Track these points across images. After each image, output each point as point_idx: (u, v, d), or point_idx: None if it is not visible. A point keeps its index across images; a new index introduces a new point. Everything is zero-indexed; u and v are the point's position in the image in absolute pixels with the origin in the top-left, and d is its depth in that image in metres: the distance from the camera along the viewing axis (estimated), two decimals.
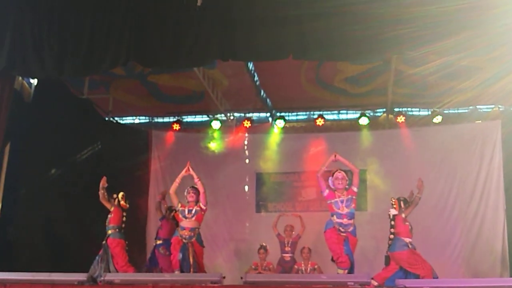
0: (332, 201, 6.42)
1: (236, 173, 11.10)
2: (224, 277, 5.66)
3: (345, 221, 6.31)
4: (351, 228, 6.37)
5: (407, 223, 6.61)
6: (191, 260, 6.50)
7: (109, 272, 6.90)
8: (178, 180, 6.92)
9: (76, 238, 7.63)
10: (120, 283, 5.72)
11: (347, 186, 6.49)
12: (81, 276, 5.85)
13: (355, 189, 6.46)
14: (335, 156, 6.68)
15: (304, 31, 6.50)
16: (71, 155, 9.20)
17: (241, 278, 5.62)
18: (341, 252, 6.30)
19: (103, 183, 7.42)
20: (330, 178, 6.59)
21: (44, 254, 7.93)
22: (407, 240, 6.52)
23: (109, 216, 7.39)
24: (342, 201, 6.36)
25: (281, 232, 9.02)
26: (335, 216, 6.36)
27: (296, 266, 8.49)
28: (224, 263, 10.18)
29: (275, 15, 6.58)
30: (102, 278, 5.83)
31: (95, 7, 7.03)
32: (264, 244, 8.85)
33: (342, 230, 6.33)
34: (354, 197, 6.43)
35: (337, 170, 6.56)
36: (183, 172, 6.95)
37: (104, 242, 7.26)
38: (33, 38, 7.10)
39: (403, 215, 6.59)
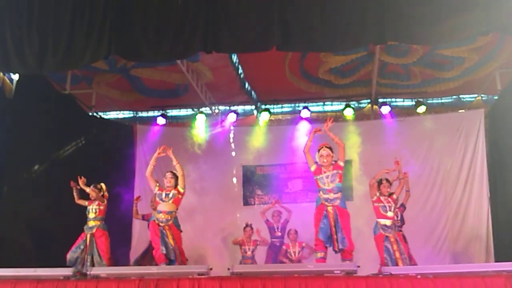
0: (318, 177, 6.46)
1: (222, 166, 11.11)
2: (211, 269, 5.65)
3: (331, 195, 6.35)
4: (338, 202, 6.37)
5: (375, 204, 6.83)
6: (172, 243, 6.44)
7: (93, 265, 6.89)
8: (152, 162, 6.91)
9: (61, 233, 7.58)
10: (106, 277, 5.67)
11: (333, 162, 6.50)
12: (67, 271, 5.80)
13: (341, 163, 6.46)
14: (317, 129, 6.61)
15: (287, 21, 6.47)
16: (55, 151, 9.12)
17: (228, 269, 5.62)
18: (316, 234, 6.33)
19: (73, 184, 7.42)
20: (316, 153, 6.58)
21: (29, 250, 7.86)
22: (381, 221, 6.74)
23: (96, 208, 7.36)
24: (327, 177, 6.40)
25: (269, 218, 9.09)
26: (321, 192, 6.42)
27: (284, 247, 8.62)
28: (212, 255, 10.17)
29: (257, 6, 6.56)
30: (88, 272, 5.79)
31: None
32: (250, 223, 8.89)
33: (329, 204, 6.33)
34: (340, 171, 6.43)
35: (322, 147, 6.54)
36: (155, 155, 6.92)
37: (90, 233, 7.23)
38: (12, 33, 7.00)
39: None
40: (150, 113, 11.58)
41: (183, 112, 11.67)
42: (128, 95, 10.71)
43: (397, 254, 6.73)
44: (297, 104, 11.27)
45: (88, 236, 7.32)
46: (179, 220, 6.95)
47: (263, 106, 11.19)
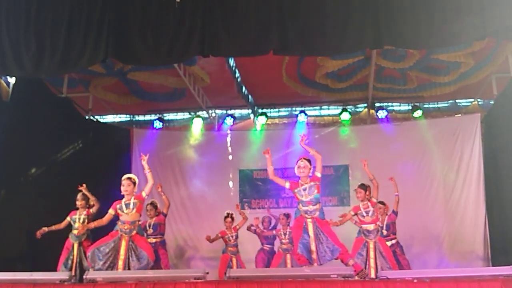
0: (296, 190, 6.45)
1: (219, 170, 11.11)
2: (207, 273, 5.63)
3: (310, 207, 6.34)
4: (317, 213, 6.37)
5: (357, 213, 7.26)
6: (141, 251, 6.25)
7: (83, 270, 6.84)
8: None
9: (58, 237, 7.53)
10: (102, 281, 5.65)
11: (310, 174, 6.50)
12: (63, 275, 5.77)
13: (318, 174, 6.44)
14: (268, 153, 6.59)
15: (284, 26, 6.48)
16: (51, 154, 9.09)
17: (225, 273, 5.61)
18: (296, 248, 6.34)
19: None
20: (295, 167, 6.58)
21: (25, 254, 7.84)
22: (363, 226, 7.19)
23: (84, 217, 7.35)
24: (304, 189, 6.38)
25: (255, 227, 9.07)
26: (300, 205, 6.42)
27: (274, 232, 8.80)
28: (208, 258, 10.14)
29: (255, 10, 6.57)
30: (84, 276, 5.76)
31: (72, 2, 6.95)
32: (230, 212, 8.89)
33: (308, 216, 6.34)
34: (317, 183, 6.41)
35: (300, 159, 6.56)
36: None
37: (77, 242, 7.26)
38: (9, 36, 6.99)
39: None
40: (147, 117, 11.59)
41: (180, 116, 11.70)
42: (125, 99, 10.71)
43: (371, 262, 6.74)
44: (294, 108, 11.31)
45: (76, 245, 7.27)
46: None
47: (260, 110, 11.21)
